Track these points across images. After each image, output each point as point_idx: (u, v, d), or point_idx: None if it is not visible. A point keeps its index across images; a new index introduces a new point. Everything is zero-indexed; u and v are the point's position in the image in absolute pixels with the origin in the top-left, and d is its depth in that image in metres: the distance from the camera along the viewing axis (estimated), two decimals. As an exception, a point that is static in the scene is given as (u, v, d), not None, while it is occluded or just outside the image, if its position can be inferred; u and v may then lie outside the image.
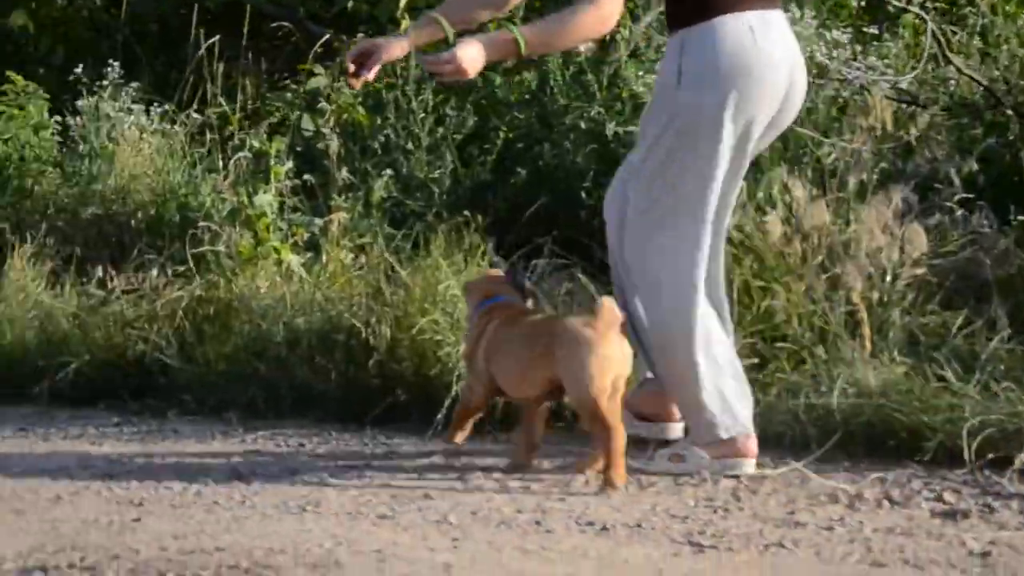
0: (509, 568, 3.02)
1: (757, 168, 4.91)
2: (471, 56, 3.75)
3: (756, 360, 4.27)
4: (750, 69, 3.67)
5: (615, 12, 3.77)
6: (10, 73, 6.37)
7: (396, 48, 3.92)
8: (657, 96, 3.82)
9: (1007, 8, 5.65)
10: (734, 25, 3.68)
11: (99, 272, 5.22)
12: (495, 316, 3.88)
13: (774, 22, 3.75)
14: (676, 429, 4.07)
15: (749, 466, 3.79)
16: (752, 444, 3.81)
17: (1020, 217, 4.58)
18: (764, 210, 4.63)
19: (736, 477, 3.75)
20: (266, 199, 5.29)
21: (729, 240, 4.48)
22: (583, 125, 6.16)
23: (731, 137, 3.70)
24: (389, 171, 5.86)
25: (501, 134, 6.33)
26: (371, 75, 3.90)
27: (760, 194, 4.68)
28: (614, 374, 3.66)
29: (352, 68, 3.91)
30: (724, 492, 3.64)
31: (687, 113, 3.69)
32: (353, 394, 4.48)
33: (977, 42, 5.97)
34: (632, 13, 6.99)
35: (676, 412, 4.03)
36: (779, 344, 4.28)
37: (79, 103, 6.13)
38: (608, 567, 3.04)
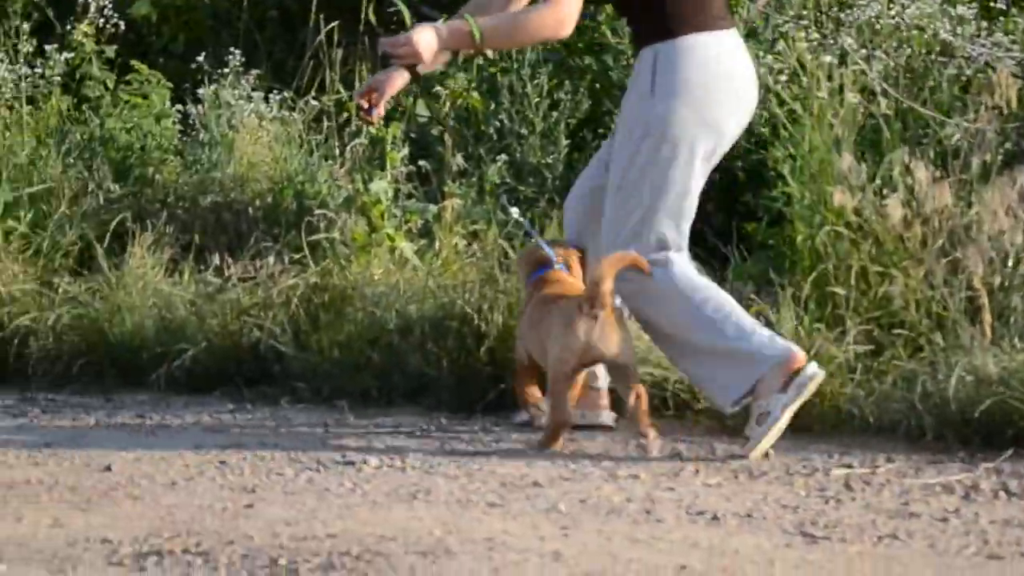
0: (619, 557, 3.02)
1: (877, 151, 4.83)
2: (426, 40, 3.86)
3: (872, 347, 4.20)
4: (724, 82, 3.86)
5: (573, 14, 3.86)
6: (134, 62, 6.47)
7: (398, 79, 4.12)
8: (628, 113, 3.93)
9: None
10: (707, 41, 3.85)
11: (216, 260, 5.28)
12: (539, 288, 4.03)
13: (739, 41, 3.95)
14: (608, 416, 4.21)
15: (812, 368, 3.81)
16: (797, 351, 3.84)
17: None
18: (883, 193, 4.54)
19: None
20: (381, 186, 5.32)
21: (847, 224, 4.42)
22: (697, 107, 6.10)
23: (704, 147, 3.86)
24: (503, 156, 5.86)
25: (615, 118, 6.29)
26: (380, 111, 4.15)
27: (880, 177, 4.59)
28: (584, 353, 3.82)
29: (365, 105, 4.11)
30: (836, 482, 3.59)
31: (662, 124, 3.82)
32: (465, 382, 4.49)
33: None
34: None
35: (601, 398, 4.17)
36: (896, 331, 4.20)
37: (200, 91, 6.20)
38: (719, 557, 3.02)
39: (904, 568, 2.94)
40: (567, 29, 3.88)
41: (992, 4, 6.29)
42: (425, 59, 3.88)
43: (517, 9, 4.03)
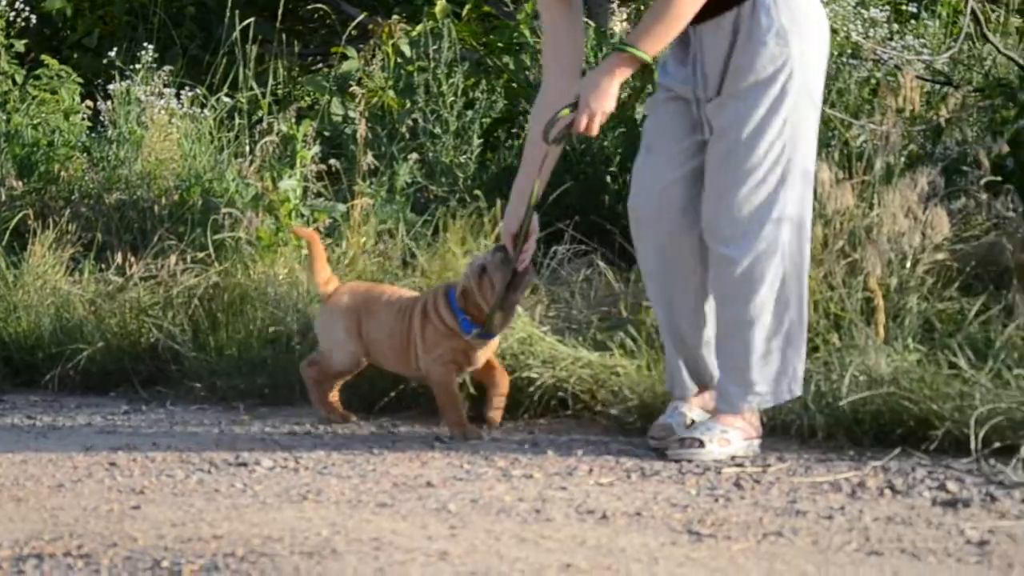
0: (505, 556, 3.01)
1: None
2: (611, 101, 3.72)
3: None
4: (824, 19, 3.81)
5: None
6: (45, 57, 6.41)
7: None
8: (745, 68, 3.73)
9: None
10: None
11: (119, 258, 5.23)
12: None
13: None
14: None
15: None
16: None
17: (1046, 202, 4.50)
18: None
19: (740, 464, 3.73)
20: (290, 184, 5.29)
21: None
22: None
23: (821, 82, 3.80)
24: (415, 155, 5.85)
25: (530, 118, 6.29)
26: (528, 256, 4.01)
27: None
28: None
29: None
30: (727, 481, 3.60)
31: (798, 65, 3.70)
32: (363, 382, 4.47)
33: (1016, 20, 5.86)
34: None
35: None
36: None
37: (110, 87, 6.15)
38: (605, 555, 3.02)
39: (786, 565, 2.95)
40: None
41: (903, 8, 6.35)
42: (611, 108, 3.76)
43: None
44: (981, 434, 3.59)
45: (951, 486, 3.43)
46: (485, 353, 4.16)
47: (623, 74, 3.73)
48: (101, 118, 6.14)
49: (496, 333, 4.13)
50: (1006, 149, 4.69)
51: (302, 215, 5.26)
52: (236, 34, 6.38)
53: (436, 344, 4.12)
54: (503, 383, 4.20)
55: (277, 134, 5.78)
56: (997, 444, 3.59)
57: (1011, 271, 4.35)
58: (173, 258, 5.08)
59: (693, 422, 3.86)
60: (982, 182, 4.60)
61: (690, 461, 3.76)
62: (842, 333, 4.15)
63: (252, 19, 6.55)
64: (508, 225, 4.01)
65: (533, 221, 3.97)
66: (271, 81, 6.49)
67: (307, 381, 4.33)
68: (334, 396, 4.36)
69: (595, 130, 3.73)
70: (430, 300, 4.16)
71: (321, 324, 4.33)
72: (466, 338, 4.08)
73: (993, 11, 6.14)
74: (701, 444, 3.78)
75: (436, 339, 4.12)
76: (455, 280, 4.24)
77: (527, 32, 6.45)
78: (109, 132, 5.96)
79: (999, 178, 4.58)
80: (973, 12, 5.44)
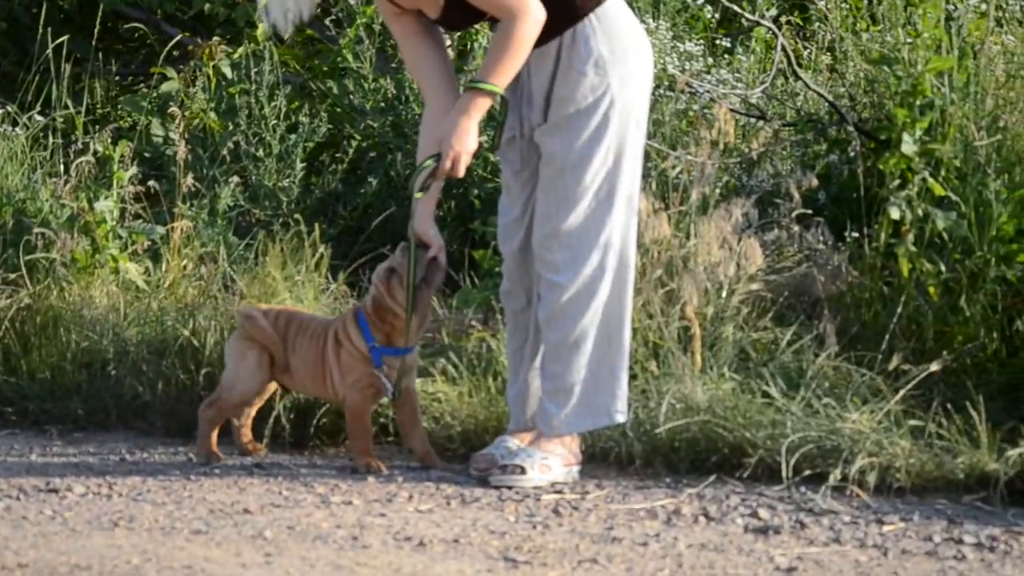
0: (319, 584, 2.99)
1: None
2: (471, 142, 3.75)
3: (589, 375, 4.27)
4: (646, 46, 3.90)
5: (536, 8, 3.71)
6: None
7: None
8: (567, 98, 3.79)
9: (857, 24, 5.71)
10: (624, 7, 3.86)
11: (-73, 280, 5.06)
12: None
13: None
14: None
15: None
16: None
17: (855, 234, 4.63)
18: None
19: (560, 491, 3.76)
20: (106, 205, 5.19)
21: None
22: (437, 134, 6.13)
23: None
24: (236, 178, 5.78)
25: (354, 142, 6.29)
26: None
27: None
28: None
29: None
30: (545, 508, 3.63)
31: (619, 94, 3.78)
32: (181, 406, 4.40)
33: (827, 58, 6.03)
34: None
35: None
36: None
37: (-81, 104, 5.96)
38: (420, 583, 3.02)
39: (601, 592, 2.99)
40: (542, 17, 3.72)
41: (718, 42, 6.49)
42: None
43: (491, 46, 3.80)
44: (792, 462, 3.68)
45: (763, 513, 3.51)
46: (405, 377, 4.00)
47: (480, 110, 3.76)
48: (-92, 136, 5.93)
49: (412, 343, 4.01)
50: (816, 183, 4.82)
51: (119, 237, 5.15)
52: (49, 51, 6.23)
53: (351, 369, 4.00)
54: (418, 415, 4.09)
55: (94, 154, 5.65)
56: (808, 472, 3.69)
57: (822, 302, 4.48)
58: (-17, 280, 4.93)
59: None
60: (794, 214, 4.72)
61: (510, 488, 3.77)
62: (660, 361, 4.22)
63: (67, 36, 6.40)
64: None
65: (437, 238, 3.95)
66: (88, 100, 6.35)
67: (203, 425, 4.10)
68: (247, 434, 4.20)
69: (461, 171, 3.76)
70: (340, 325, 4.04)
71: (231, 351, 4.13)
72: (375, 368, 3.97)
73: (804, 48, 6.30)
74: (523, 471, 3.80)
75: (351, 364, 4.00)
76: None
77: (350, 56, 6.43)
78: (-84, 150, 5.76)
79: (810, 211, 4.71)
80: (784, 48, 5.58)
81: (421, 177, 3.82)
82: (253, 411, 4.20)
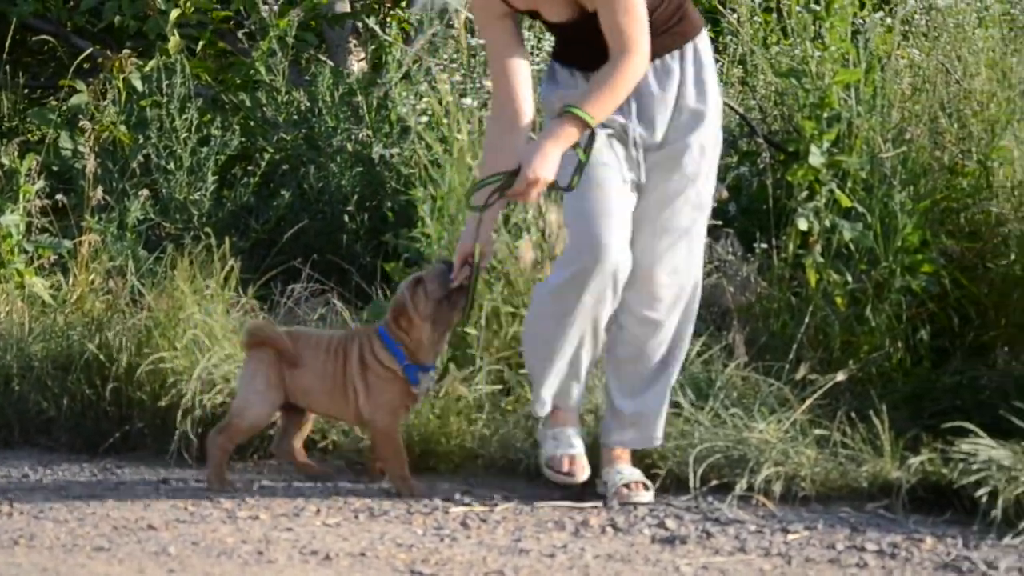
0: (225, 600, 2.96)
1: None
2: (552, 168, 3.56)
3: (500, 387, 4.26)
4: None
5: (647, 42, 3.61)
6: None
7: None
8: (680, 121, 3.73)
9: (768, 38, 5.76)
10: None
11: None
12: None
13: None
14: None
15: None
16: None
17: (764, 245, 4.66)
18: (516, 235, 4.62)
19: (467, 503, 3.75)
20: (12, 219, 5.12)
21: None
22: (350, 147, 6.12)
23: None
24: (146, 191, 5.73)
25: (267, 155, 6.26)
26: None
27: (513, 219, 4.67)
28: None
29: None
30: (454, 520, 3.62)
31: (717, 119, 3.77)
32: (87, 422, 4.34)
33: (738, 71, 6.07)
34: (406, 35, 6.98)
35: None
36: (524, 371, 4.26)
37: None
38: (324, 598, 3.00)
39: (507, 604, 2.98)
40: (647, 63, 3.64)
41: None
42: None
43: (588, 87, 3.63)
44: (700, 472, 3.69)
45: (670, 523, 3.51)
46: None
47: (569, 139, 3.57)
48: None
49: (433, 361, 3.90)
50: (726, 195, 4.85)
51: (25, 251, 5.08)
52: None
53: (382, 391, 3.85)
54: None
55: (0, 167, 5.58)
56: (715, 482, 3.70)
57: (731, 312, 4.50)
58: None
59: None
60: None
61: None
62: (570, 371, 4.20)
63: (-28, 49, 6.33)
64: (463, 247, 3.84)
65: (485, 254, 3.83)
66: (-8, 114, 6.29)
67: (215, 453, 3.91)
68: (302, 454, 4.06)
69: (533, 198, 3.59)
70: (366, 345, 3.89)
71: (240, 376, 3.99)
72: (413, 386, 3.86)
73: (717, 60, 6.35)
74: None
75: (381, 386, 3.86)
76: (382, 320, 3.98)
77: (263, 69, 6.40)
78: None
79: (720, 222, 4.73)
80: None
81: (484, 192, 3.66)
82: (299, 434, 4.05)
